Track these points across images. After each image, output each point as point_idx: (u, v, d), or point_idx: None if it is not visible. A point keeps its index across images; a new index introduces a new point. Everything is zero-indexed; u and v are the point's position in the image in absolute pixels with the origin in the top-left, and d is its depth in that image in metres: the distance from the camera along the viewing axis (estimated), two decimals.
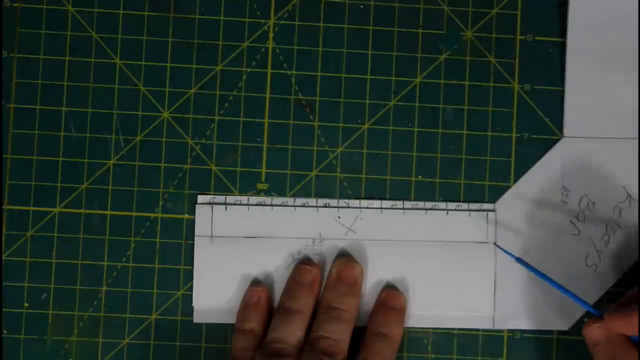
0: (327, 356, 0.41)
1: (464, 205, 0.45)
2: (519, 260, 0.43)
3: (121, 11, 0.46)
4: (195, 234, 0.45)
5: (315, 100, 0.46)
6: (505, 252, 0.44)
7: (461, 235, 0.45)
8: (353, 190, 0.46)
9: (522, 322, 0.45)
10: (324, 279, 0.45)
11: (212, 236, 0.45)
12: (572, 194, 0.45)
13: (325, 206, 0.45)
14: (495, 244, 0.45)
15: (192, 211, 0.45)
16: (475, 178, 0.46)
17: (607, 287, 0.45)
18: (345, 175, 0.46)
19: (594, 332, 0.41)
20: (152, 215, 0.45)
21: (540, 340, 0.45)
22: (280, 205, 0.45)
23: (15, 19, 0.45)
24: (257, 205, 0.45)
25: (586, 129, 0.46)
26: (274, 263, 0.45)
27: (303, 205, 0.45)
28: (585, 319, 0.41)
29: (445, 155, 0.46)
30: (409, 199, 0.46)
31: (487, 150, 0.46)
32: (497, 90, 0.46)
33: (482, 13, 0.46)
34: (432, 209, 0.45)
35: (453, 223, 0.45)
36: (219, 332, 0.45)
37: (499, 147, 0.46)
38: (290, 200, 0.45)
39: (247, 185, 0.46)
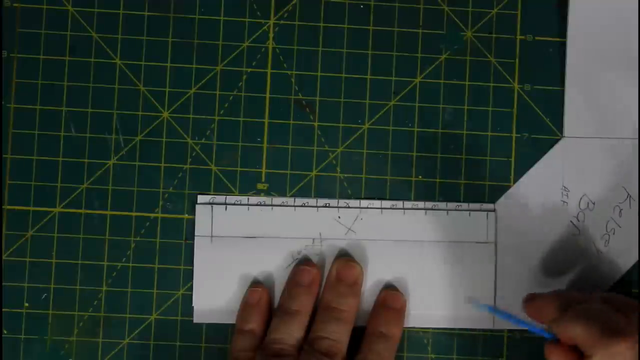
0: (327, 356, 0.41)
1: (464, 205, 0.45)
2: (491, 309, 0.43)
3: (121, 11, 0.46)
4: (195, 234, 0.45)
5: (315, 100, 0.46)
6: (484, 307, 0.44)
7: (461, 235, 0.45)
8: (353, 190, 0.46)
9: None
10: (324, 279, 0.45)
11: (212, 236, 0.45)
12: (572, 194, 0.45)
13: (325, 206, 0.45)
14: (482, 304, 0.44)
15: (192, 211, 0.45)
16: (475, 178, 0.46)
17: (607, 287, 0.45)
18: (345, 175, 0.46)
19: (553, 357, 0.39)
20: (152, 215, 0.45)
21: (540, 340, 0.45)
22: (280, 205, 0.45)
23: (15, 19, 0.45)
24: (257, 205, 0.45)
25: (586, 129, 0.46)
26: (274, 263, 0.45)
27: (303, 205, 0.45)
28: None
29: (445, 155, 0.46)
30: (409, 199, 0.46)
31: (487, 150, 0.46)
32: (497, 90, 0.46)
33: (482, 13, 0.46)
34: (432, 209, 0.45)
35: (453, 223, 0.45)
36: (219, 332, 0.45)
37: (499, 147, 0.46)
38: (290, 200, 0.45)
39: (247, 185, 0.46)
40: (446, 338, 0.45)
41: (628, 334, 0.36)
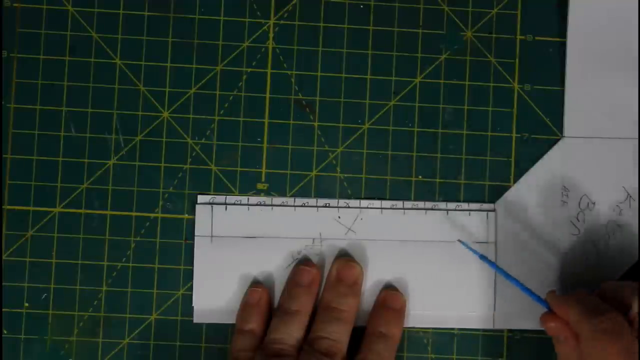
0: (326, 356, 0.41)
1: (464, 205, 0.45)
2: (482, 257, 0.43)
3: (121, 11, 0.46)
4: (195, 234, 0.45)
5: (315, 100, 0.46)
6: (470, 249, 0.44)
7: (461, 235, 0.45)
8: (353, 190, 0.46)
9: (522, 322, 0.45)
10: (324, 279, 0.45)
11: (212, 236, 0.45)
12: (572, 194, 0.45)
13: (325, 206, 0.45)
14: (459, 240, 0.45)
15: (192, 211, 0.45)
16: (475, 178, 0.46)
17: None
18: (345, 175, 0.46)
19: (550, 329, 0.40)
20: (152, 215, 0.45)
21: (540, 340, 0.45)
22: (280, 205, 0.45)
23: (15, 19, 0.45)
24: (257, 205, 0.45)
25: (586, 129, 0.46)
26: (274, 263, 0.45)
27: (303, 205, 0.45)
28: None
29: (445, 155, 0.46)
30: (409, 199, 0.46)
31: (487, 150, 0.46)
32: (497, 90, 0.46)
33: (482, 13, 0.46)
34: (432, 209, 0.45)
35: (453, 223, 0.45)
36: (219, 332, 0.45)
37: (499, 147, 0.46)
38: (290, 200, 0.45)
39: (247, 185, 0.46)
40: (446, 338, 0.45)
41: (606, 312, 0.38)
